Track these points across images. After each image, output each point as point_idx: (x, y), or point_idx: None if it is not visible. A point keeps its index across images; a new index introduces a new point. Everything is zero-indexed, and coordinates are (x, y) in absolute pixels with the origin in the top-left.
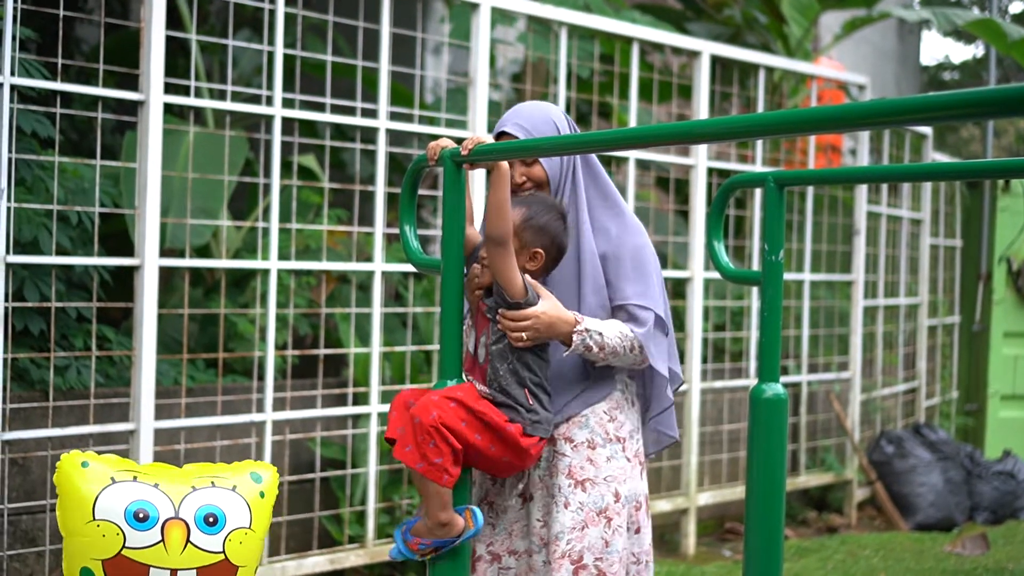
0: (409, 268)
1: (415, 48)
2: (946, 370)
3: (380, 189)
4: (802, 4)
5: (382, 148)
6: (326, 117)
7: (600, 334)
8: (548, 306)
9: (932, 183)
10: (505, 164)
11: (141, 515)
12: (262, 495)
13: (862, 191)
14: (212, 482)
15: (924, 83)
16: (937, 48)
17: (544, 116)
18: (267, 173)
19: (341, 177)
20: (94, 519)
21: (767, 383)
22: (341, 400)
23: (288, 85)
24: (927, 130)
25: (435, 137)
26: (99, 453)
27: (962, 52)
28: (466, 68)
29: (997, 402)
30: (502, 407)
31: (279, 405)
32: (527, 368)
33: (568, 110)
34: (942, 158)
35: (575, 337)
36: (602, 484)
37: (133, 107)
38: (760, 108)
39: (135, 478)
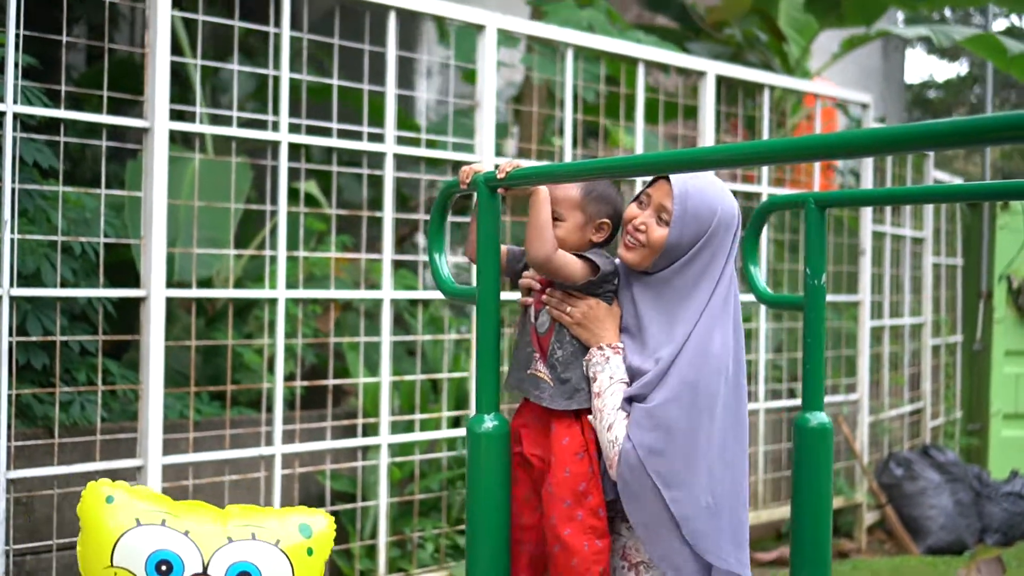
0: (415, 295)
1: (411, 71)
2: (949, 390)
3: (388, 215)
4: (800, 23)
5: (389, 173)
6: (333, 142)
7: (611, 378)
8: (609, 311)
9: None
10: (544, 188)
11: (164, 567)
12: (310, 552)
13: (867, 211)
14: (253, 534)
15: (908, 101)
16: (921, 66)
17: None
18: (272, 200)
19: (340, 203)
20: (112, 565)
21: (811, 411)
22: (350, 431)
23: (292, 110)
24: None
25: (442, 161)
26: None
27: (946, 70)
28: (460, 90)
29: (999, 421)
30: (560, 388)
31: (287, 438)
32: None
33: (574, 131)
34: (941, 175)
35: (594, 351)
36: (655, 569)
37: (129, 134)
38: (765, 127)
39: (164, 521)
